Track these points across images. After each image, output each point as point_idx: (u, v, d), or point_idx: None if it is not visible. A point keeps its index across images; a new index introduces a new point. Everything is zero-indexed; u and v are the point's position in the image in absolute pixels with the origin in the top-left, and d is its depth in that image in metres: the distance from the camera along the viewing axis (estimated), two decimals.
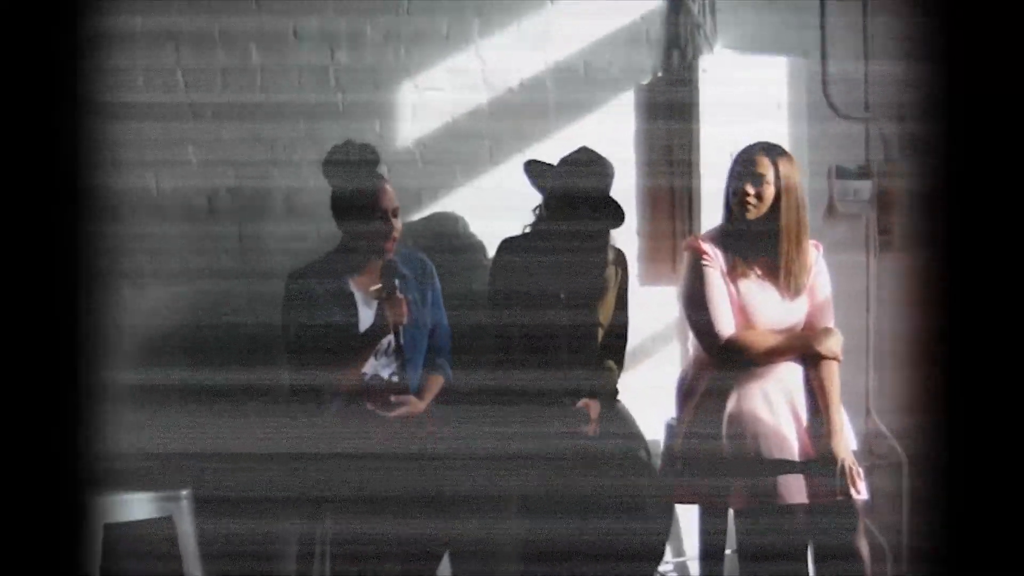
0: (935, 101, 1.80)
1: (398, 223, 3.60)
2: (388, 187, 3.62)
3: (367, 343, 3.55)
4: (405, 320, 3.52)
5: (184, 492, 3.53)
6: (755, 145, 3.58)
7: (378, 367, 3.62)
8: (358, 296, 3.61)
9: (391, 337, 3.55)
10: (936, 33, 1.76)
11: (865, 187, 4.49)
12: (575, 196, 3.79)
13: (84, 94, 1.61)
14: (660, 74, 4.34)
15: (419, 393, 3.67)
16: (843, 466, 3.37)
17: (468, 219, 4.20)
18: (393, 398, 3.58)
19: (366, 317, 3.57)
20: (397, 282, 3.54)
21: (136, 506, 3.44)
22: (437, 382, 3.76)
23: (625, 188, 4.12)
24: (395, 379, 3.64)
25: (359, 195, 3.58)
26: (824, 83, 4.45)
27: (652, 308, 4.23)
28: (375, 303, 3.56)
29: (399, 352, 3.58)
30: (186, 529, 3.49)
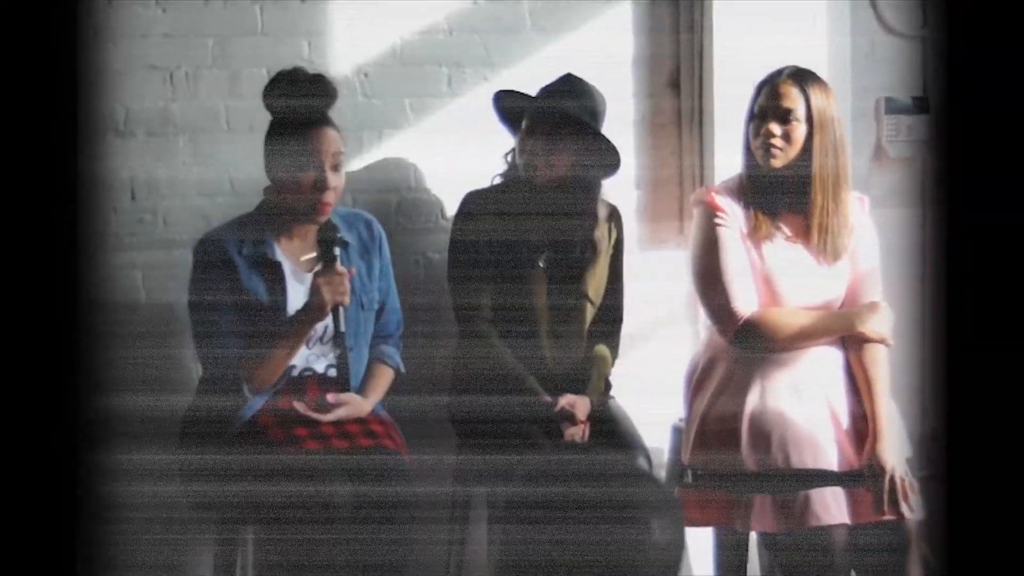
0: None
1: (338, 178, 3.59)
2: (330, 131, 3.61)
3: (297, 328, 3.53)
4: (347, 299, 3.52)
5: None
6: (781, 71, 3.59)
7: (310, 358, 3.62)
8: (287, 267, 3.60)
9: (328, 321, 3.54)
10: None
11: (922, 124, 4.50)
12: (558, 136, 3.79)
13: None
14: None
15: (363, 390, 3.68)
16: (892, 478, 3.41)
17: (421, 168, 4.20)
18: (330, 397, 3.58)
19: (296, 295, 3.57)
20: (338, 250, 3.54)
21: None
22: (385, 375, 3.77)
23: (620, 126, 4.12)
24: (332, 373, 3.64)
25: (293, 137, 3.57)
26: None
27: (654, 279, 4.24)
28: (308, 277, 3.55)
29: (338, 339, 3.57)
30: None
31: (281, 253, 3.61)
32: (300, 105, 3.57)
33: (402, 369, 3.80)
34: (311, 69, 3.89)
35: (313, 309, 3.49)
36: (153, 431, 3.64)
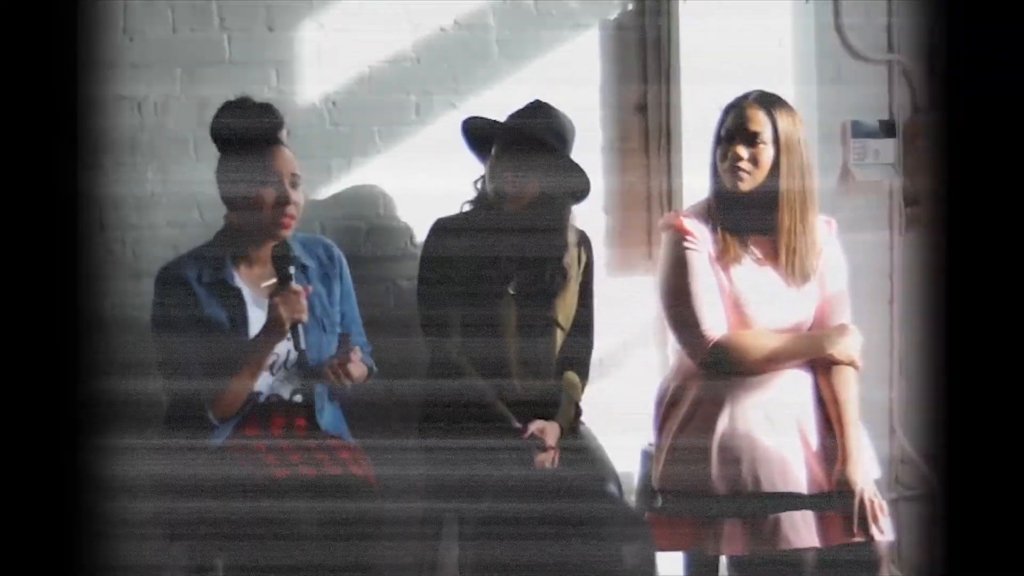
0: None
1: (297, 195, 3.59)
2: (285, 150, 3.61)
3: (258, 349, 3.51)
4: (304, 316, 3.50)
5: None
6: (748, 95, 3.61)
7: (275, 384, 3.60)
8: (247, 293, 3.59)
9: (291, 346, 3.53)
10: None
11: (888, 147, 4.52)
12: (527, 162, 3.80)
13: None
14: (631, 6, 4.36)
15: None
16: (862, 499, 3.41)
17: (391, 195, 4.21)
18: (300, 423, 3.59)
19: (257, 320, 3.54)
20: (292, 269, 3.52)
21: None
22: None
23: (589, 152, 4.15)
24: (298, 399, 3.64)
25: (248, 159, 3.56)
26: (836, 14, 4.46)
27: (623, 304, 4.25)
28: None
29: (301, 359, 3.56)
30: None
31: (240, 279, 3.60)
32: (248, 128, 3.57)
33: (375, 369, 3.77)
34: (280, 97, 3.91)
35: (271, 328, 3.47)
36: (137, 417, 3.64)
